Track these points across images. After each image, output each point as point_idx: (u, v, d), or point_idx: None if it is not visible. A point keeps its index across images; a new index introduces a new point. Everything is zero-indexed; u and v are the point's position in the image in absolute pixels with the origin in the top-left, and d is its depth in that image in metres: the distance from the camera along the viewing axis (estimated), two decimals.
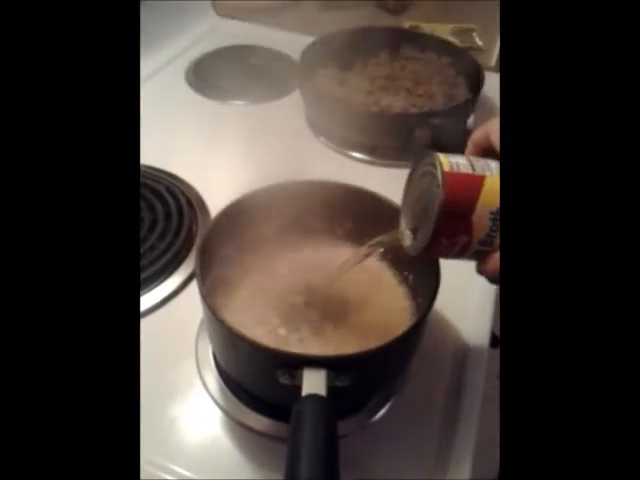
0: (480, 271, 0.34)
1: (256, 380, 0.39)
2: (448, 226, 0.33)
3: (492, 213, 0.32)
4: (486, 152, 0.35)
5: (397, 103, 0.70)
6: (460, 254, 0.34)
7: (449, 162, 0.33)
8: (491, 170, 0.33)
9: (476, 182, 0.32)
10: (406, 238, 0.36)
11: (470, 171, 0.32)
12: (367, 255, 0.41)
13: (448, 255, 0.35)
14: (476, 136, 0.36)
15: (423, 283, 0.42)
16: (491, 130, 0.34)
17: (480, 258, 0.34)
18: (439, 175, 0.32)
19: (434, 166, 0.33)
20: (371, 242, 0.40)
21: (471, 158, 0.34)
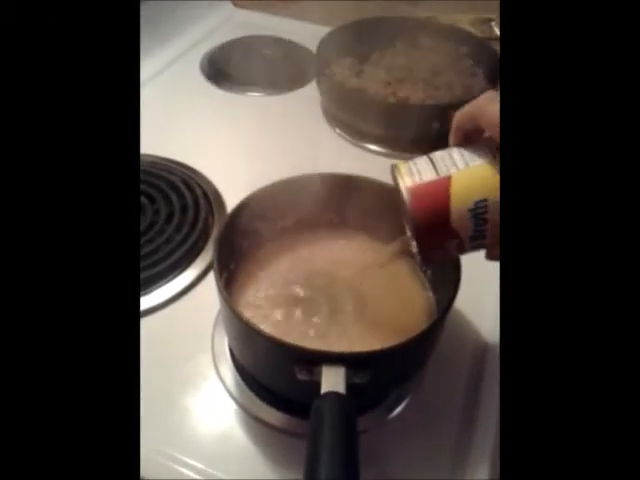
0: (489, 259, 0.33)
1: (273, 375, 0.39)
2: (431, 238, 0.32)
3: (470, 210, 0.30)
4: (469, 136, 0.33)
5: (415, 94, 0.69)
6: (461, 252, 0.33)
7: (411, 173, 0.32)
8: (456, 165, 0.31)
9: (443, 187, 0.31)
10: (412, 246, 0.36)
11: (434, 177, 0.31)
12: (391, 258, 0.40)
13: (450, 256, 0.34)
14: (460, 121, 0.33)
15: (442, 279, 0.41)
16: (478, 115, 0.31)
17: (485, 247, 0.33)
18: (404, 193, 0.31)
19: (397, 183, 0.32)
20: (393, 245, 0.40)
21: (433, 158, 0.32)
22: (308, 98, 0.77)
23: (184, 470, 0.39)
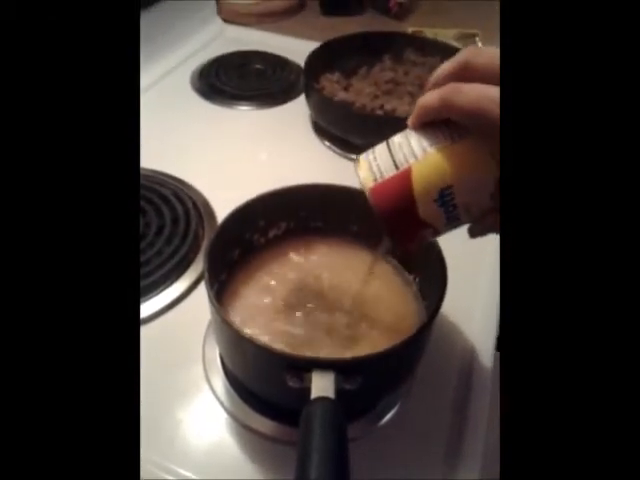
0: (471, 236, 0.33)
1: (263, 383, 0.39)
2: (404, 232, 0.31)
3: (437, 200, 0.29)
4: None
5: (401, 107, 0.70)
6: (438, 235, 0.32)
7: (371, 170, 0.31)
8: (414, 154, 0.30)
9: (403, 181, 0.30)
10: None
11: (393, 171, 0.30)
12: (376, 260, 0.41)
13: (427, 240, 0.33)
14: (448, 69, 0.30)
15: (430, 286, 0.42)
16: (472, 63, 0.29)
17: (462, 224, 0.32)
18: (367, 194, 0.31)
19: (360, 181, 0.31)
20: (379, 248, 0.40)
21: (392, 147, 0.31)
22: (297, 111, 0.78)
23: None
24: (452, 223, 0.31)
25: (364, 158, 0.32)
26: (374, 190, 0.31)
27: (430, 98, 0.30)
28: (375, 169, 0.31)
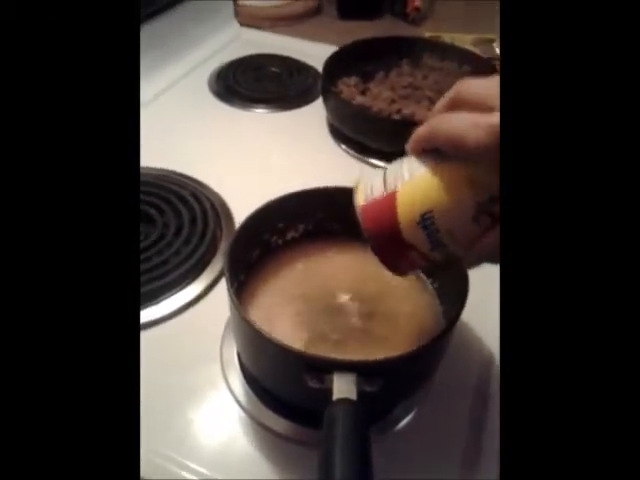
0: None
1: (282, 383, 0.39)
2: (389, 251, 0.32)
3: (419, 223, 0.30)
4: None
5: (419, 112, 0.70)
6: (427, 261, 0.33)
7: (365, 189, 0.32)
8: (402, 177, 0.31)
9: (389, 204, 0.31)
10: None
11: (381, 192, 0.31)
12: None
13: (419, 265, 0.33)
14: (442, 103, 0.31)
15: (450, 290, 0.42)
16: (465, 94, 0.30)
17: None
18: (357, 212, 0.32)
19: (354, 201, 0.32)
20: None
21: (387, 170, 0.32)
22: (314, 115, 0.79)
23: (191, 476, 0.39)
24: (439, 248, 0.32)
25: (363, 179, 0.33)
26: (362, 207, 0.32)
27: (422, 127, 0.31)
28: (368, 190, 0.32)
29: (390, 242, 0.31)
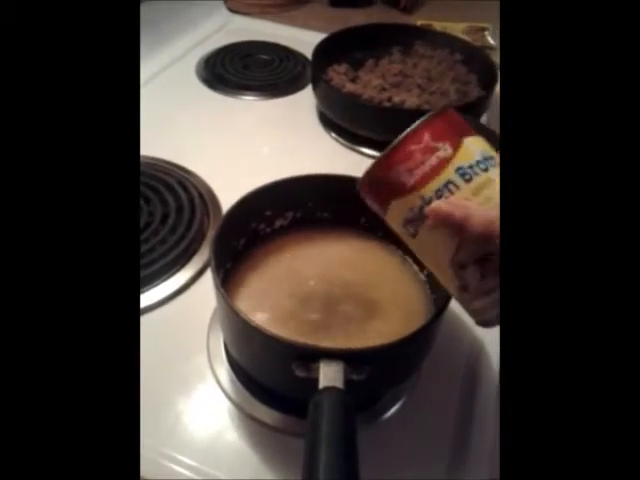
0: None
1: (269, 372, 0.39)
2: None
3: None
4: None
5: (410, 99, 0.69)
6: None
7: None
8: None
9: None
10: None
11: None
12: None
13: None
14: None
15: None
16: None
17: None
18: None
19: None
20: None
21: None
22: (303, 102, 0.78)
23: (179, 469, 0.39)
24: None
25: None
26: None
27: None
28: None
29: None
